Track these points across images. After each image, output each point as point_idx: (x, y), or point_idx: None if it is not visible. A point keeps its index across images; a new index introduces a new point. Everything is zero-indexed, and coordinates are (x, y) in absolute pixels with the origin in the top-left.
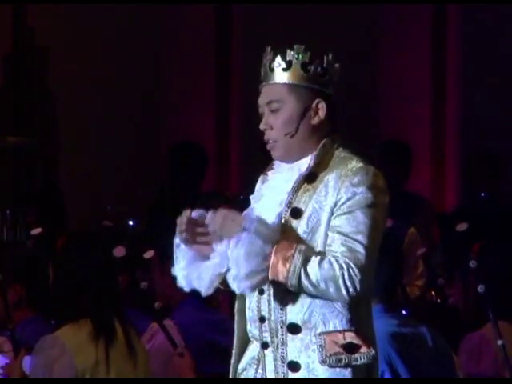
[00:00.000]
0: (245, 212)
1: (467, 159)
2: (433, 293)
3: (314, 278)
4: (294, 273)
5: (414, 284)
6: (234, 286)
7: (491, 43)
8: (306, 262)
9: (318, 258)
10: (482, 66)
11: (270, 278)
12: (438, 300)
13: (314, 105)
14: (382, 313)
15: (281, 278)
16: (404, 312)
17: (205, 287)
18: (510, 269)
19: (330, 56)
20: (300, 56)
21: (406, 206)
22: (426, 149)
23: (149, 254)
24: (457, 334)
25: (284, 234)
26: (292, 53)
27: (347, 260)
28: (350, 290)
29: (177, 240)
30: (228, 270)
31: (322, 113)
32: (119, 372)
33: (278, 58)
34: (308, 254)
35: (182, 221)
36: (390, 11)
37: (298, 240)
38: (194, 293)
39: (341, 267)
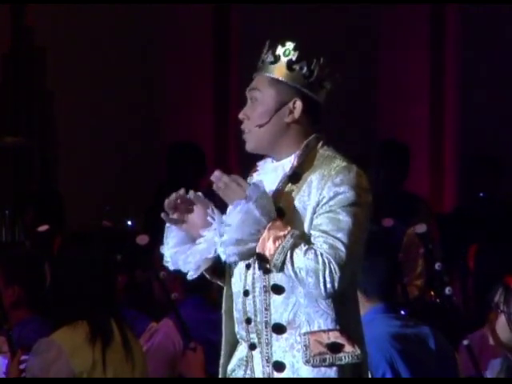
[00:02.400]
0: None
1: (466, 160)
2: (432, 293)
3: (296, 264)
4: (280, 253)
5: (413, 284)
6: (221, 251)
7: (490, 44)
8: (294, 246)
9: (306, 247)
10: (480, 67)
11: (257, 250)
12: (438, 300)
13: (290, 103)
14: (384, 313)
15: (267, 254)
16: (403, 312)
17: (191, 270)
18: (508, 269)
19: (322, 60)
20: (288, 53)
21: (405, 207)
22: (424, 149)
23: (143, 240)
24: (456, 334)
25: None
26: (282, 48)
27: (329, 256)
28: (328, 285)
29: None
30: (215, 257)
31: (296, 112)
32: (116, 374)
33: (270, 52)
34: (298, 240)
35: (170, 200)
36: (388, 12)
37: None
38: (195, 293)
39: (323, 262)
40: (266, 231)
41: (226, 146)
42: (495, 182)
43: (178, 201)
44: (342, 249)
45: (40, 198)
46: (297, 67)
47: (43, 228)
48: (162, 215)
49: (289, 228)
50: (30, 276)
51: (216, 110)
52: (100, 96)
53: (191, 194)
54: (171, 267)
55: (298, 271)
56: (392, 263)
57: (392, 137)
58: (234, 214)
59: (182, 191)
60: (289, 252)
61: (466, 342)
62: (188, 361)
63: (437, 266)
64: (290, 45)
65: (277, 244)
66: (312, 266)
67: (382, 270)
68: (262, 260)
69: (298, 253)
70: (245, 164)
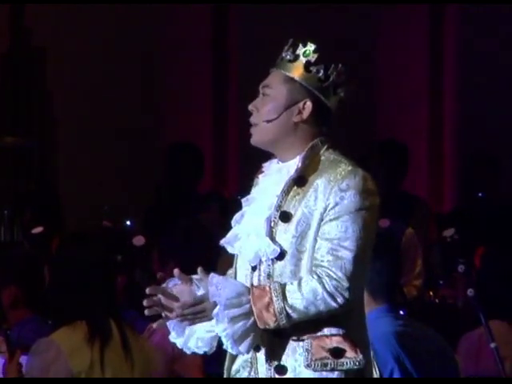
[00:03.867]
0: (206, 279)
1: (466, 160)
2: (431, 293)
3: (301, 308)
4: (280, 314)
5: (412, 284)
6: (235, 353)
7: (489, 43)
8: (285, 297)
9: (296, 284)
10: (479, 66)
11: (261, 328)
12: (436, 300)
13: (301, 103)
14: (388, 312)
15: (271, 325)
16: (401, 312)
17: (207, 351)
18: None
19: (340, 67)
20: (307, 53)
21: (404, 207)
22: (423, 149)
23: (139, 241)
24: (455, 334)
25: (273, 238)
26: (303, 49)
27: (332, 269)
28: (339, 299)
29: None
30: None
31: (305, 113)
32: (115, 374)
33: (290, 49)
34: (283, 287)
35: (151, 310)
36: (388, 12)
37: (288, 243)
38: None
39: (320, 280)
40: (254, 309)
41: (225, 146)
42: (494, 182)
43: (160, 298)
44: (349, 258)
45: (38, 198)
46: (314, 69)
47: (38, 230)
48: (154, 325)
49: (266, 287)
50: (28, 276)
51: (215, 111)
52: (99, 96)
53: (176, 274)
54: (188, 352)
55: (306, 311)
56: (395, 264)
57: (391, 137)
58: (219, 324)
59: (151, 290)
60: (286, 307)
61: (493, 345)
62: (185, 362)
63: (469, 291)
64: (311, 46)
65: (271, 310)
66: (313, 294)
67: (386, 271)
68: (272, 331)
69: (294, 297)
70: (244, 165)
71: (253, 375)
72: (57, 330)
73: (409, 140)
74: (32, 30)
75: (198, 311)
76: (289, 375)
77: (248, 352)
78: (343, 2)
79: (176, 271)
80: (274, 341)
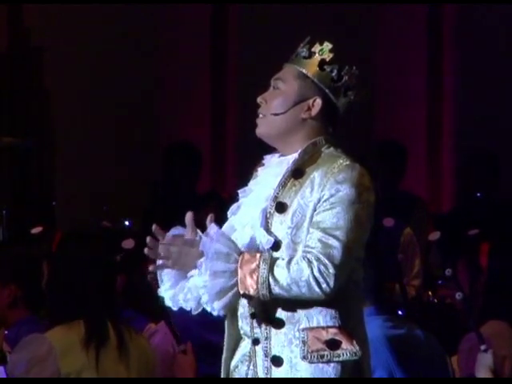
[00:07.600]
0: (211, 230)
1: (466, 159)
2: (430, 293)
3: (284, 283)
4: (262, 283)
5: (410, 284)
6: (209, 309)
7: (488, 43)
8: (272, 269)
9: (286, 260)
10: (478, 66)
11: (241, 292)
12: (435, 300)
13: (310, 100)
14: (376, 315)
15: (251, 292)
16: (400, 312)
17: (193, 308)
18: None
19: (354, 69)
20: (323, 52)
21: (402, 207)
22: (422, 149)
23: (128, 244)
24: (454, 334)
25: (269, 229)
26: (319, 47)
27: (320, 256)
28: (323, 285)
29: (159, 262)
30: None
31: (314, 111)
32: (109, 375)
33: (306, 46)
34: (273, 260)
35: (151, 250)
36: (387, 12)
37: (283, 234)
38: None
39: (309, 264)
40: (239, 271)
41: (223, 146)
42: (494, 182)
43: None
44: (338, 247)
45: (35, 198)
46: (328, 68)
47: (37, 230)
48: (151, 267)
49: (258, 255)
50: (28, 276)
51: (214, 111)
52: (98, 96)
53: (188, 219)
54: (174, 308)
55: (288, 288)
56: (379, 265)
57: (390, 137)
58: (202, 274)
59: (156, 230)
60: (270, 277)
61: (483, 348)
62: (179, 363)
63: (457, 295)
64: (327, 45)
65: (254, 277)
66: (299, 274)
67: (369, 272)
68: (251, 298)
69: (280, 271)
70: (242, 165)
71: (252, 369)
72: (51, 329)
73: (408, 140)
74: (31, 30)
75: (184, 253)
76: (285, 367)
77: (221, 311)
78: (343, 2)
79: (189, 215)
80: (269, 332)
